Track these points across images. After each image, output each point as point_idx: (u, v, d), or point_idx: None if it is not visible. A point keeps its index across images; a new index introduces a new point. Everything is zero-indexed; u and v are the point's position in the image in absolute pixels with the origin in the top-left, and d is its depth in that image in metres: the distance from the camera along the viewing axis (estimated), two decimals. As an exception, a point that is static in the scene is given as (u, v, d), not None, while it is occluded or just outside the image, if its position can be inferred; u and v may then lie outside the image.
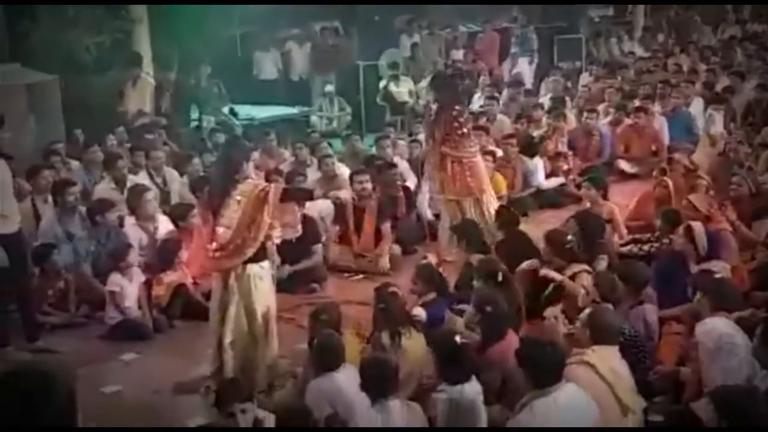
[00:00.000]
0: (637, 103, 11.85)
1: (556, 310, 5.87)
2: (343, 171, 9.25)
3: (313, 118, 13.89)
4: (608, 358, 4.54)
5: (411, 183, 9.37)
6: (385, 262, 7.91)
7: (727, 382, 4.29)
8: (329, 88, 14.16)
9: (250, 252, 5.38)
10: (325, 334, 4.97)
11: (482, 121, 11.17)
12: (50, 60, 10.91)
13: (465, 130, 7.68)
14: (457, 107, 7.73)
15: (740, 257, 6.62)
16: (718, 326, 4.63)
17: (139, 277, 6.93)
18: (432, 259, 6.33)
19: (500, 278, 5.70)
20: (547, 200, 9.78)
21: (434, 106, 8.05)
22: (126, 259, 6.86)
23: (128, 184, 8.29)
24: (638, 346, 5.04)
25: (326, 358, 4.85)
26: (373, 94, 14.20)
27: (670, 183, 7.96)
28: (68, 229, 7.35)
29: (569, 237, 6.31)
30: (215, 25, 14.37)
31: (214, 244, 5.40)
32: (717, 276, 5.23)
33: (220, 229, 5.36)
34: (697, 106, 12.09)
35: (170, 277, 7.02)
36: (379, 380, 4.41)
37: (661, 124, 11.31)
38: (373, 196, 8.19)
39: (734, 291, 5.12)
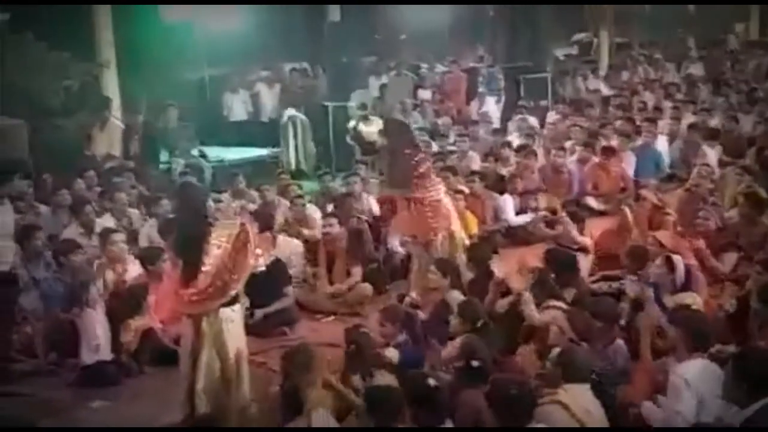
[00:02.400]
0: (603, 141, 12.01)
1: (529, 348, 5.90)
2: (314, 211, 9.27)
3: (287, 155, 13.90)
4: (580, 397, 4.55)
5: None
6: (329, 293, 7.99)
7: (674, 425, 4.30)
8: (291, 111, 14.16)
9: (232, 293, 5.36)
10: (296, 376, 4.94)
11: (452, 159, 11.24)
12: (17, 105, 10.85)
13: (422, 170, 7.65)
14: (407, 150, 7.69)
15: (708, 291, 6.72)
16: (689, 371, 4.63)
17: (103, 316, 6.83)
18: (410, 297, 6.34)
19: (479, 324, 5.70)
20: (517, 238, 9.84)
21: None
22: (87, 293, 6.74)
23: (96, 228, 8.23)
24: (610, 383, 5.05)
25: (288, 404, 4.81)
26: (342, 134, 14.27)
27: (629, 212, 8.04)
28: (33, 275, 7.27)
29: (552, 275, 6.38)
30: (184, 68, 14.44)
31: (191, 289, 5.33)
32: (693, 310, 5.25)
33: (201, 274, 5.31)
34: (662, 143, 12.29)
35: (138, 323, 6.93)
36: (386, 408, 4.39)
37: (628, 161, 11.45)
38: (342, 237, 8.20)
39: (709, 327, 5.08)
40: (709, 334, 4.95)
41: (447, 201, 7.87)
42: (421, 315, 6.32)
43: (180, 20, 13.03)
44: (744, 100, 15.08)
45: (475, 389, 4.86)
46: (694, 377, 4.61)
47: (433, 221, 7.59)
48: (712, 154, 11.39)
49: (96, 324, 6.71)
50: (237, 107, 15.15)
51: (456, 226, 7.82)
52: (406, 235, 8.01)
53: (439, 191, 7.72)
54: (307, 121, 14.14)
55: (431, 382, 4.59)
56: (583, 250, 7.61)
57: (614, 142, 11.96)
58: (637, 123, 12.92)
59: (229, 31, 14.08)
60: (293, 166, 13.99)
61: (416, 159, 7.62)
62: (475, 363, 5.02)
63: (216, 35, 14.07)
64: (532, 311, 6.03)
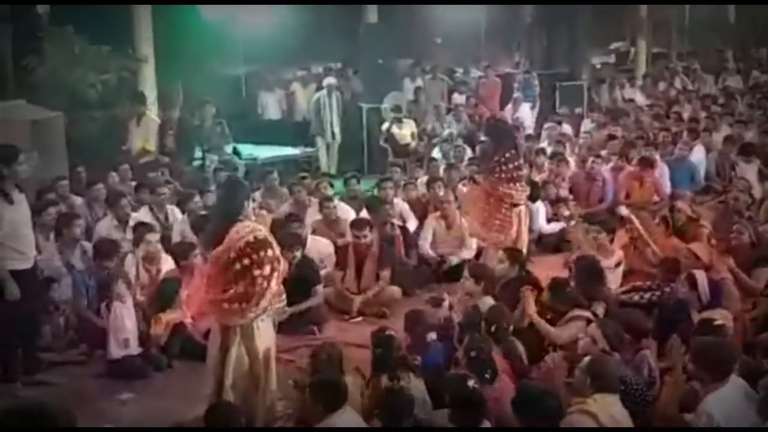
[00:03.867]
0: (639, 151, 11.90)
1: (557, 356, 5.86)
2: (346, 212, 9.28)
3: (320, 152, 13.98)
4: (609, 407, 4.51)
5: (411, 224, 9.39)
6: (356, 305, 7.95)
7: None
8: (331, 80, 14.18)
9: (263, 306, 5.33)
10: (326, 371, 4.95)
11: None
12: (55, 96, 10.98)
13: (518, 172, 7.93)
14: (511, 152, 7.89)
15: (742, 306, 6.62)
16: (716, 407, 4.51)
17: (133, 310, 6.88)
18: (447, 298, 6.33)
19: (493, 329, 5.69)
20: (548, 245, 9.81)
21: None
22: (116, 286, 6.80)
23: (131, 222, 8.30)
24: (638, 394, 5.01)
25: (327, 396, 4.79)
26: (375, 136, 14.30)
27: (637, 223, 7.96)
28: (69, 261, 7.35)
29: (572, 283, 6.35)
30: (221, 65, 14.52)
31: (226, 294, 5.27)
32: (706, 338, 5.14)
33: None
34: (698, 154, 12.16)
35: (169, 316, 6.98)
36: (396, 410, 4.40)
37: (662, 172, 11.35)
38: (374, 241, 8.21)
39: (725, 352, 4.82)
40: (727, 360, 4.72)
41: (522, 210, 7.90)
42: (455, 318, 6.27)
43: (218, 17, 13.10)
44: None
45: (492, 388, 4.90)
46: (723, 410, 4.48)
47: (506, 221, 7.70)
48: (750, 168, 11.23)
49: (125, 318, 6.78)
50: (272, 106, 15.23)
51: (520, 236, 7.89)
52: (474, 230, 8.08)
53: (521, 197, 7.89)
54: (341, 98, 14.17)
55: (471, 383, 4.60)
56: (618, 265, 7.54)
57: (650, 152, 11.84)
58: (674, 133, 12.79)
59: (266, 29, 14.14)
60: (325, 167, 14.07)
61: (516, 163, 7.82)
62: (473, 353, 5.06)
63: (253, 33, 14.13)
64: (549, 331, 6.02)
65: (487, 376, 5.02)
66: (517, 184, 7.88)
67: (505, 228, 7.85)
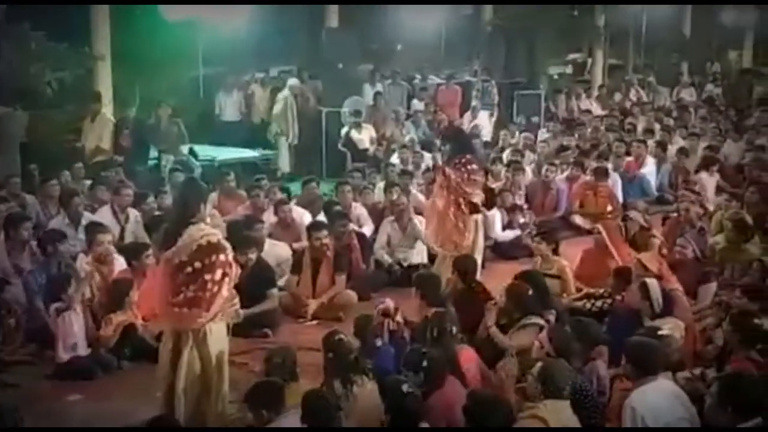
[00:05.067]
0: (594, 161, 12.08)
1: (510, 362, 5.90)
2: (302, 215, 9.26)
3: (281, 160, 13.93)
4: (560, 413, 4.57)
5: (368, 229, 9.40)
6: (311, 310, 7.92)
7: None
8: (294, 81, 14.23)
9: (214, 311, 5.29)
10: (264, 380, 4.94)
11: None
12: (9, 93, 10.81)
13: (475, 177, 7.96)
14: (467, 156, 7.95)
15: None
16: (641, 400, 4.69)
17: (82, 315, 6.78)
18: (389, 304, 6.32)
19: (435, 333, 5.71)
20: (504, 253, 9.88)
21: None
22: (67, 290, 6.70)
23: (83, 222, 8.19)
24: (589, 401, 5.07)
25: (265, 402, 4.80)
26: (334, 140, 14.30)
27: (604, 231, 8.07)
28: (18, 263, 7.22)
29: (530, 290, 6.39)
30: (179, 66, 14.41)
31: (179, 296, 5.22)
32: (640, 341, 5.27)
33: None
34: (650, 166, 12.37)
35: (119, 318, 6.90)
36: (319, 414, 4.43)
37: (615, 182, 11.52)
38: (330, 245, 8.20)
39: (659, 357, 5.08)
40: (654, 359, 4.96)
41: (479, 218, 7.98)
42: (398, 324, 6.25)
43: (178, 18, 13.01)
44: (732, 128, 15.22)
45: (440, 392, 4.94)
46: (645, 403, 4.68)
47: (464, 229, 7.78)
48: (711, 181, 11.43)
49: (74, 324, 6.69)
50: (230, 107, 15.13)
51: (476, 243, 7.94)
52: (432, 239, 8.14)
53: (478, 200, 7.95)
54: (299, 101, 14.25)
55: (405, 388, 4.64)
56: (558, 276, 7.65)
57: (604, 162, 12.01)
58: (627, 145, 13.01)
59: (226, 30, 14.07)
60: (284, 169, 14.06)
61: (471, 167, 7.88)
62: (424, 363, 5.08)
63: (213, 34, 14.06)
64: (503, 341, 6.11)
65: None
66: (474, 189, 7.92)
67: (463, 236, 7.88)
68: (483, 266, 8.67)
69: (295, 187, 10.59)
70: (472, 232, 7.94)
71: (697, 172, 11.97)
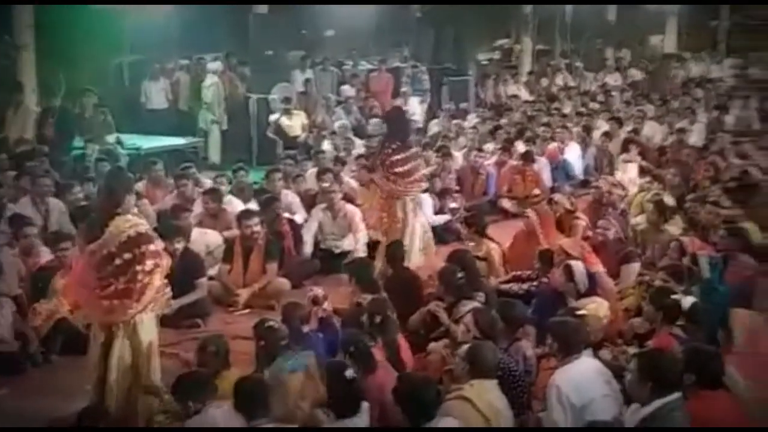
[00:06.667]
0: (521, 145, 12.28)
1: (440, 345, 6.02)
2: (233, 204, 9.21)
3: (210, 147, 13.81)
4: (486, 393, 4.67)
5: (300, 217, 9.40)
6: (242, 299, 7.91)
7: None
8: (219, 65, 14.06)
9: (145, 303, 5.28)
10: (189, 371, 4.95)
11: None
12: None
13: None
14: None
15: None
16: (564, 379, 4.84)
17: (8, 306, 6.67)
18: (318, 291, 6.36)
19: (378, 320, 5.77)
20: (435, 237, 9.98)
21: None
22: None
23: (8, 213, 8.03)
24: (516, 381, 5.20)
25: (191, 394, 4.81)
26: (264, 127, 14.23)
27: (533, 216, 8.23)
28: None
29: (460, 274, 6.49)
30: (104, 53, 14.13)
31: (108, 290, 5.18)
32: (563, 320, 5.41)
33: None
34: (574, 150, 12.64)
35: (44, 306, 6.79)
36: (251, 400, 4.45)
37: (542, 166, 11.74)
38: (261, 233, 8.17)
39: (580, 335, 5.20)
40: (577, 338, 5.09)
41: (407, 202, 8.02)
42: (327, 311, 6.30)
43: (102, 5, 12.76)
44: (658, 112, 15.61)
45: (372, 377, 5.02)
46: (569, 381, 4.82)
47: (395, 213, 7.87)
48: (632, 164, 11.72)
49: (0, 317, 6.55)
50: (156, 95, 14.91)
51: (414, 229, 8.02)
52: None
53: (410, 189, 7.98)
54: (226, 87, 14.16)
55: (349, 373, 4.69)
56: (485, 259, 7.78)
57: (531, 147, 12.23)
58: (553, 129, 13.26)
59: (152, 17, 13.86)
60: (214, 157, 13.95)
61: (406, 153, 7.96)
62: (351, 348, 5.15)
63: (139, 21, 13.83)
64: (455, 330, 6.09)
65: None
66: (408, 179, 7.97)
67: (395, 221, 7.95)
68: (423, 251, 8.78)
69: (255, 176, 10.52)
70: (400, 215, 7.98)
71: (620, 154, 12.26)
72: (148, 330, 5.41)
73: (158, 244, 5.32)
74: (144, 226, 5.33)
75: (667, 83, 20.11)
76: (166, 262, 5.37)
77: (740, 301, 6.47)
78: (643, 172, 11.50)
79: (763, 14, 24.73)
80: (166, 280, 5.43)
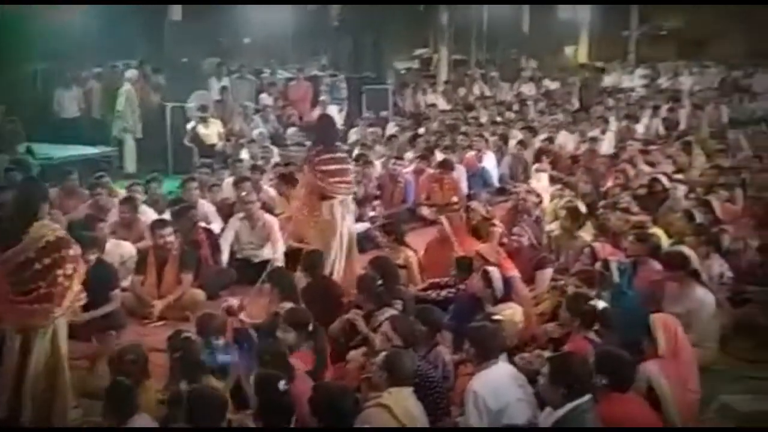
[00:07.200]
0: (439, 154, 12.42)
1: (358, 353, 6.03)
2: (146, 214, 9.05)
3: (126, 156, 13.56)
4: (404, 400, 4.70)
5: (216, 227, 9.29)
6: (157, 311, 7.79)
7: None
8: (133, 72, 13.88)
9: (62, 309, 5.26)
10: (115, 381, 4.86)
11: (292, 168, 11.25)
12: None
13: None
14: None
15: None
16: (482, 384, 4.92)
17: None
18: (233, 302, 6.30)
19: (311, 328, 5.75)
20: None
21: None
22: None
23: None
24: (434, 387, 5.24)
25: (116, 406, 4.71)
26: (180, 135, 14.04)
27: (446, 223, 8.32)
28: None
29: (379, 282, 6.51)
30: (14, 60, 13.76)
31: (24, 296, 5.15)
32: (480, 326, 5.48)
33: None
34: (490, 159, 12.84)
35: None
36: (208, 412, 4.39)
37: (460, 174, 11.88)
38: (175, 244, 8.06)
39: (498, 340, 5.29)
40: (493, 343, 5.17)
41: (334, 205, 7.94)
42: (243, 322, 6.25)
43: (12, 10, 12.42)
44: (570, 120, 15.99)
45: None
46: (486, 386, 4.91)
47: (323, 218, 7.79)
48: (543, 175, 11.95)
49: None
50: (68, 103, 14.58)
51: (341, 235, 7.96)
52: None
53: (338, 191, 7.90)
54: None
55: (281, 385, 4.64)
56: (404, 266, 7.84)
57: (449, 155, 12.36)
58: (470, 138, 13.45)
59: (64, 23, 13.55)
60: (129, 166, 13.70)
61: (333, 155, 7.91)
62: (266, 357, 5.14)
63: (50, 27, 13.50)
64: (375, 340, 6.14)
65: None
66: (335, 179, 7.94)
67: (321, 226, 7.91)
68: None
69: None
70: (335, 219, 7.94)
71: (533, 164, 12.50)
72: (63, 338, 5.40)
73: (76, 249, 5.39)
74: (62, 231, 5.42)
75: (584, 93, 20.59)
76: (83, 267, 5.46)
77: (650, 305, 6.68)
78: (553, 180, 11.75)
79: (671, 25, 25.63)
80: (81, 286, 5.44)
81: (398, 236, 8.17)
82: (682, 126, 16.13)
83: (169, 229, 8.06)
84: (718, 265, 7.58)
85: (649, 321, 5.67)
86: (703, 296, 6.64)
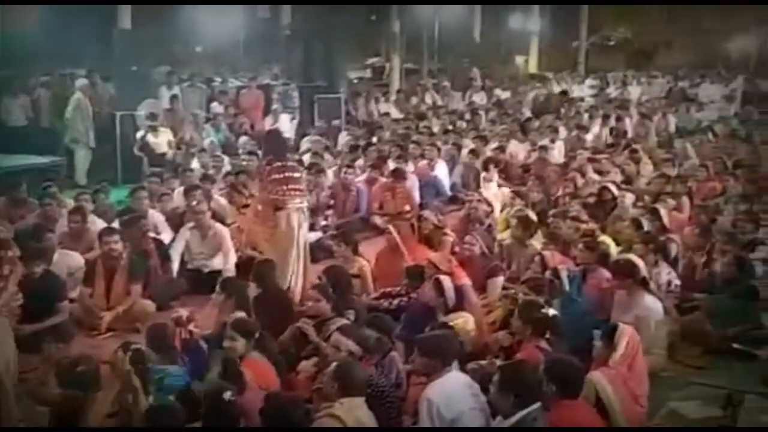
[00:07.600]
0: (391, 163, 12.45)
1: (309, 363, 6.01)
2: (95, 224, 8.93)
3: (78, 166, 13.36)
4: (355, 410, 4.70)
5: (166, 237, 9.20)
6: (105, 322, 7.67)
7: None
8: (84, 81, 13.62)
9: None
10: (64, 394, 4.79)
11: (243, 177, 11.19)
12: None
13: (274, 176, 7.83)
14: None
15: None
16: (436, 392, 4.94)
17: None
18: (182, 312, 6.24)
19: (257, 336, 5.72)
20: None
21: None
22: None
23: None
24: (385, 396, 5.23)
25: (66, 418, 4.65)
26: (130, 144, 13.88)
27: (395, 232, 8.36)
28: None
29: (331, 290, 6.50)
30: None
31: None
32: (434, 334, 5.53)
33: None
34: (442, 168, 12.91)
35: None
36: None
37: (412, 184, 11.92)
38: (123, 254, 7.96)
39: (453, 348, 5.32)
40: (446, 351, 5.18)
41: (290, 215, 7.85)
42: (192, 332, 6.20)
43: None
44: (519, 129, 16.15)
45: (241, 397, 4.92)
46: (440, 394, 4.93)
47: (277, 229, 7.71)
48: (492, 184, 12.05)
49: None
50: (16, 112, 14.33)
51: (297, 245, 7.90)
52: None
53: (289, 201, 7.79)
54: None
55: (228, 396, 4.62)
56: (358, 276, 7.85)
57: (402, 164, 12.40)
58: (422, 147, 13.51)
59: (11, 31, 13.32)
60: (80, 175, 13.51)
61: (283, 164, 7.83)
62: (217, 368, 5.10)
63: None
64: (314, 337, 6.14)
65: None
66: (287, 186, 7.88)
67: (278, 237, 7.86)
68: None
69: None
70: (291, 229, 7.90)
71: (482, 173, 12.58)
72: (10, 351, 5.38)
73: (15, 251, 5.46)
74: (3, 232, 5.31)
75: (534, 103, 20.85)
76: (20, 269, 5.55)
77: (599, 313, 6.77)
78: (501, 188, 11.85)
79: (619, 36, 26.09)
80: (17, 288, 5.46)
81: (352, 245, 8.16)
82: (630, 135, 16.38)
83: (116, 237, 7.96)
84: (665, 273, 7.70)
85: (610, 327, 5.73)
86: (652, 304, 6.73)
